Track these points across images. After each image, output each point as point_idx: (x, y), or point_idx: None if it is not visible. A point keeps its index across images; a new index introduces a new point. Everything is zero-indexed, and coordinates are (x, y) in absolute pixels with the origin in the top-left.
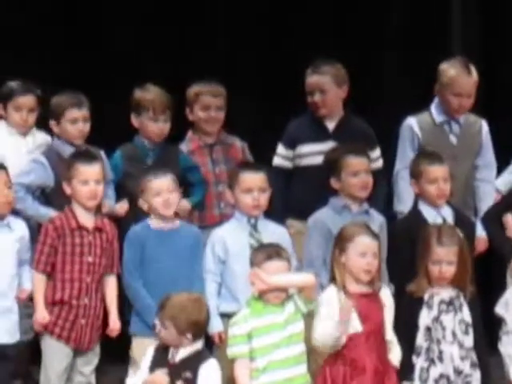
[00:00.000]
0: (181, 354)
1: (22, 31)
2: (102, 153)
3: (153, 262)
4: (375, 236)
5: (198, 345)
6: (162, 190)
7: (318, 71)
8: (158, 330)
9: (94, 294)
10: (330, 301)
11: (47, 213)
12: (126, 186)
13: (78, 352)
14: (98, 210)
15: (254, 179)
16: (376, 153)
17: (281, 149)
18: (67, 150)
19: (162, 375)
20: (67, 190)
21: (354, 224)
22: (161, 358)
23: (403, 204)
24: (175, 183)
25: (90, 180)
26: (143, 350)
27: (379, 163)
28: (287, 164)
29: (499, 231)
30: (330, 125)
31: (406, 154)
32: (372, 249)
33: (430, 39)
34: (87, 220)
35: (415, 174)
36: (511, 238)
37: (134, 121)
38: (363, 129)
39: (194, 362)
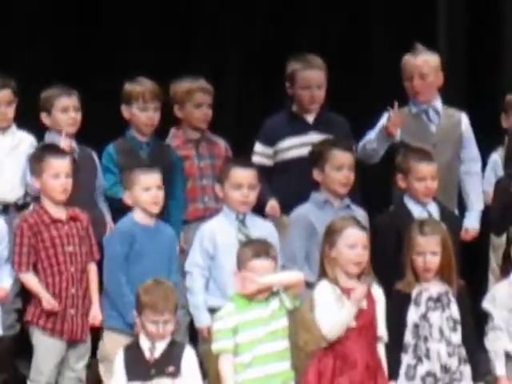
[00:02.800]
0: (159, 348)
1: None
2: (94, 154)
3: (139, 259)
4: (363, 228)
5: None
6: (151, 185)
7: (315, 66)
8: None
9: (79, 283)
10: (326, 294)
11: None
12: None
13: (70, 345)
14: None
15: (245, 175)
16: None
17: (259, 147)
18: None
19: None
20: (36, 184)
21: (341, 218)
22: (136, 359)
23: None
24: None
25: (62, 173)
26: (116, 346)
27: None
28: (267, 161)
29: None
30: (309, 118)
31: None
32: (361, 240)
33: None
34: (59, 212)
35: (403, 170)
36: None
37: (125, 112)
38: (340, 121)
39: (174, 353)
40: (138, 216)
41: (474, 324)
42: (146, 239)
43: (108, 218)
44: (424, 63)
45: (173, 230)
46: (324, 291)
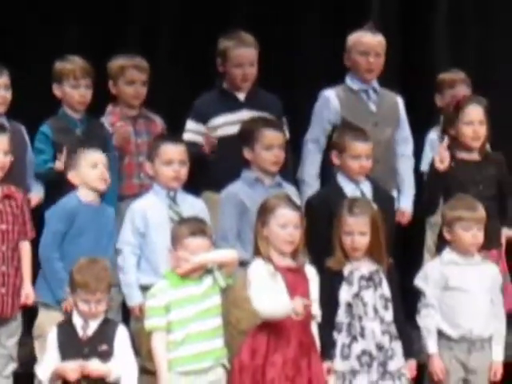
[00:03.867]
0: (92, 325)
1: None
2: (23, 129)
3: (77, 237)
4: (296, 207)
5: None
6: (98, 162)
7: (247, 43)
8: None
9: (10, 261)
10: (261, 273)
11: None
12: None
13: (1, 323)
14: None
15: (175, 151)
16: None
17: (191, 124)
18: None
19: (74, 366)
20: None
21: (275, 196)
22: (69, 336)
23: (305, 173)
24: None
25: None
26: (52, 323)
27: (285, 134)
28: (199, 138)
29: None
30: (240, 95)
31: (317, 127)
32: (293, 220)
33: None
34: None
35: (338, 148)
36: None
37: (57, 91)
38: (272, 98)
39: (107, 332)
40: (82, 194)
41: (409, 302)
42: (88, 217)
43: (35, 193)
44: (379, 43)
45: (113, 210)
46: (257, 269)
